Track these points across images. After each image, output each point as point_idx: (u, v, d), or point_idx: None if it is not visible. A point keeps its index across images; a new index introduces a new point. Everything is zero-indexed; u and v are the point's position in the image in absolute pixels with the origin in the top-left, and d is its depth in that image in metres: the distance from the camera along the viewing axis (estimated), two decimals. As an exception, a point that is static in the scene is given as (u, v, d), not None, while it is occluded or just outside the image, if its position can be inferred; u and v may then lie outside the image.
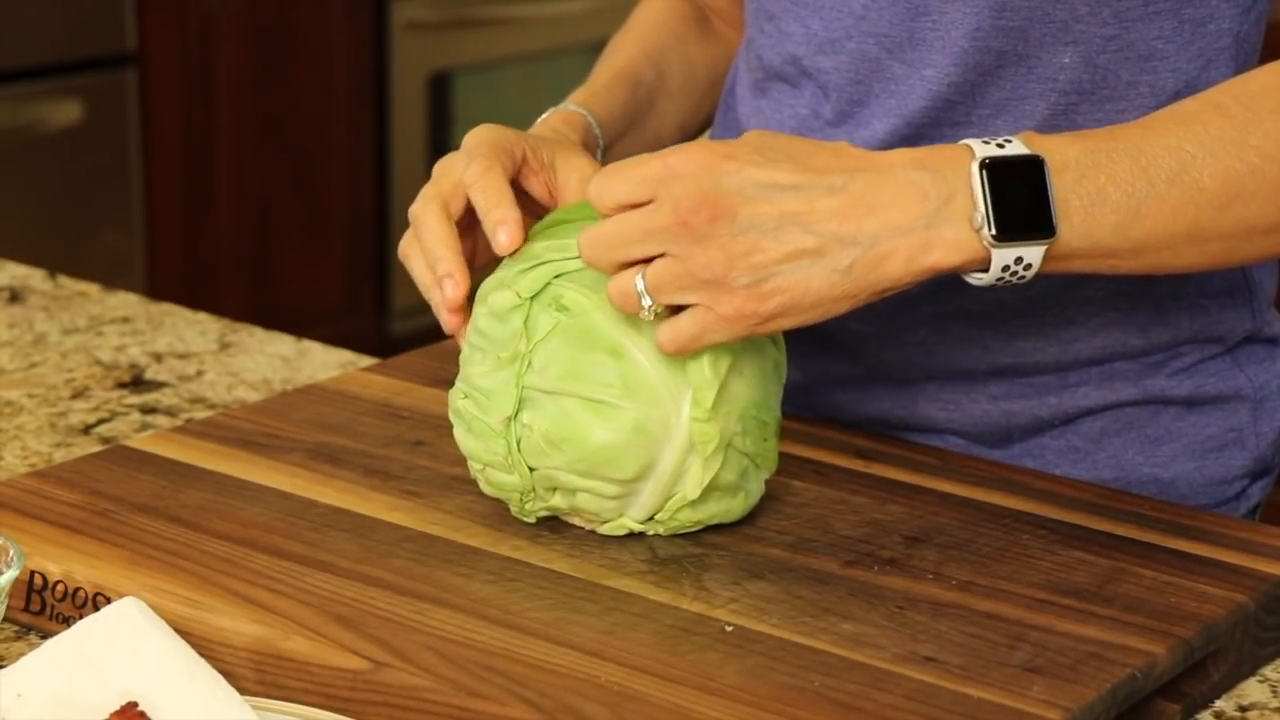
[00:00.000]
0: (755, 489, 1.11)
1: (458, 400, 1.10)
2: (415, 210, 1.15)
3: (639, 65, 1.36)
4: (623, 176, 1.03)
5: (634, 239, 1.03)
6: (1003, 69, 1.18)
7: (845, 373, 1.29)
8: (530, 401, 1.07)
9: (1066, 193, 1.04)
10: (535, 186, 1.18)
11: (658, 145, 1.35)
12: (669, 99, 1.37)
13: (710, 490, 1.08)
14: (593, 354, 1.06)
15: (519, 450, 1.07)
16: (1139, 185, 1.05)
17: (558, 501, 1.09)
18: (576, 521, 1.11)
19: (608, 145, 1.29)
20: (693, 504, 1.08)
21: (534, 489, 1.09)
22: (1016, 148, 1.04)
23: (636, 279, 1.03)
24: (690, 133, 1.41)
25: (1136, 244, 1.06)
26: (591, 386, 1.05)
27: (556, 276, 1.08)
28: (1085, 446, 1.26)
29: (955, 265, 1.03)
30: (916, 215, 1.02)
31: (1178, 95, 1.19)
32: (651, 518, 1.09)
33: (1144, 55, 1.18)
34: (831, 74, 1.23)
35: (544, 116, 1.27)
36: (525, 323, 1.07)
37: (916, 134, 1.21)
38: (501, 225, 1.11)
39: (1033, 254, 1.04)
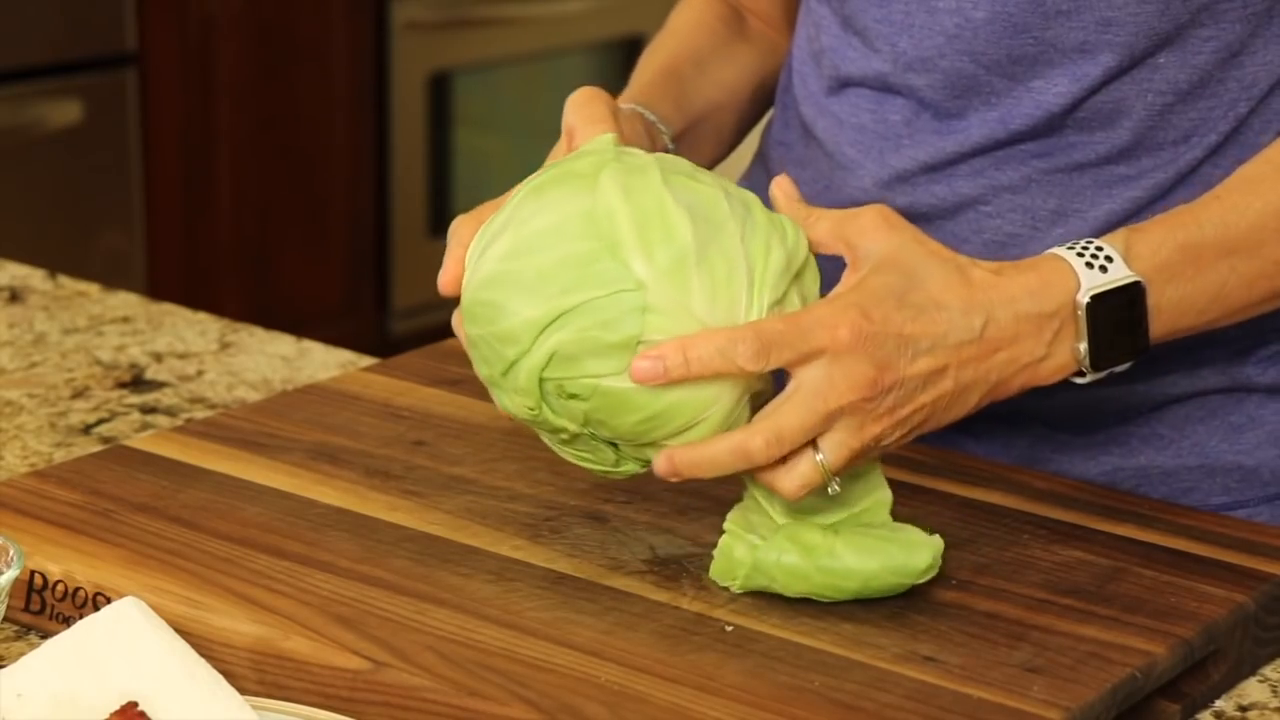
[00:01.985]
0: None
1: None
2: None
3: (681, 63, 1.35)
4: (788, 346, 1.01)
5: (817, 426, 1.02)
6: (1107, 79, 1.20)
7: None
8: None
9: (1158, 298, 1.10)
10: None
11: (719, 144, 1.37)
12: (720, 94, 1.37)
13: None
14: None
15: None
16: (1222, 271, 1.12)
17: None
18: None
19: (674, 139, 1.29)
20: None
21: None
22: (1117, 270, 1.08)
23: (816, 461, 1.02)
24: (746, 129, 1.42)
25: (1215, 320, 1.14)
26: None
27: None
28: (1169, 434, 1.27)
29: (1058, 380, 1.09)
30: (1034, 349, 1.07)
31: (1267, 91, 1.21)
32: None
33: (1235, 52, 1.20)
34: (925, 90, 1.24)
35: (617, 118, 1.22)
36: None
37: (1013, 139, 1.23)
38: None
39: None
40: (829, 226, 1.06)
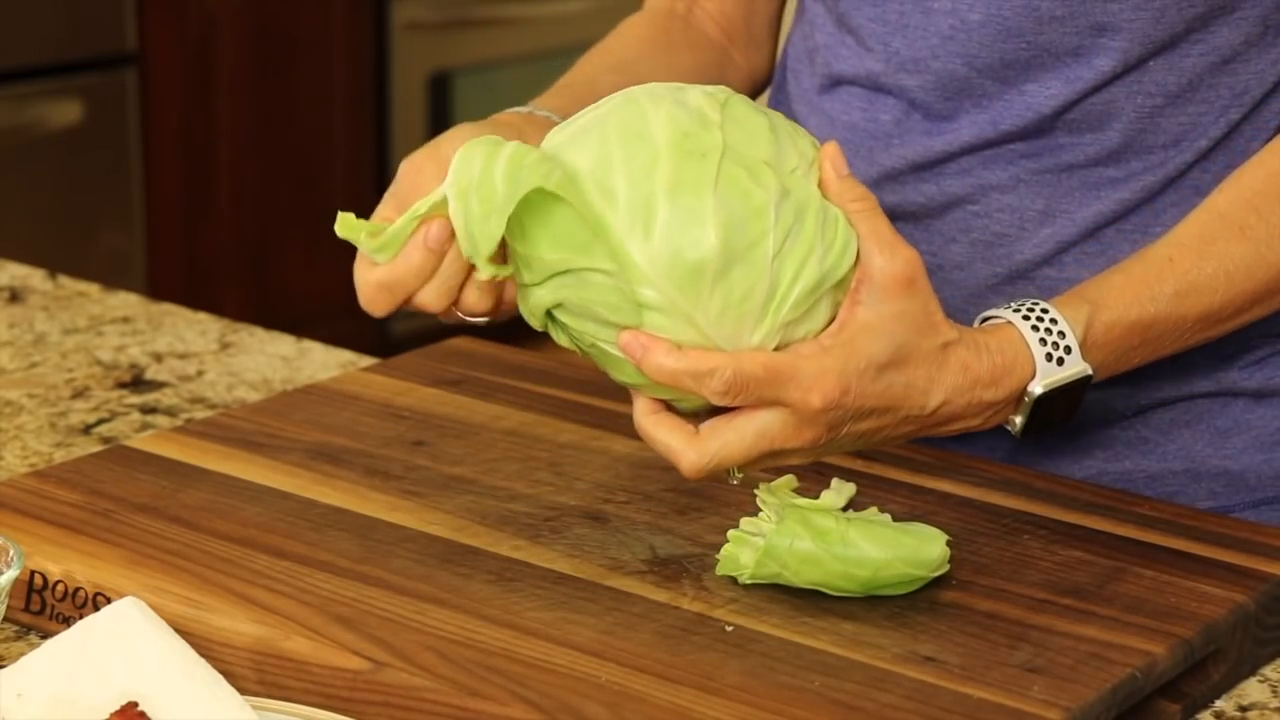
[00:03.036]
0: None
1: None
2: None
3: (598, 70, 1.33)
4: (759, 391, 1.02)
5: (754, 461, 1.04)
6: (1099, 84, 1.21)
7: None
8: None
9: (1098, 370, 1.12)
10: None
11: None
12: None
13: None
14: None
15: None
16: (1166, 341, 1.15)
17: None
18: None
19: None
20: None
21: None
22: (1073, 363, 1.10)
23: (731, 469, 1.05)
24: None
25: (1139, 365, 1.17)
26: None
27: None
28: (1155, 438, 1.27)
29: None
30: (973, 423, 1.09)
31: (1260, 99, 1.22)
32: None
33: (1226, 58, 1.20)
34: (916, 91, 1.25)
35: (496, 116, 1.24)
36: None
37: (1003, 140, 1.23)
38: None
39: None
40: (865, 233, 1.04)
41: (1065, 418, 1.12)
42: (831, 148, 1.04)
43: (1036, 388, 1.09)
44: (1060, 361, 1.09)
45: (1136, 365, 1.16)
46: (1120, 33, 1.19)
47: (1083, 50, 1.20)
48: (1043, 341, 1.09)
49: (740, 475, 1.06)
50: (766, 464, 1.05)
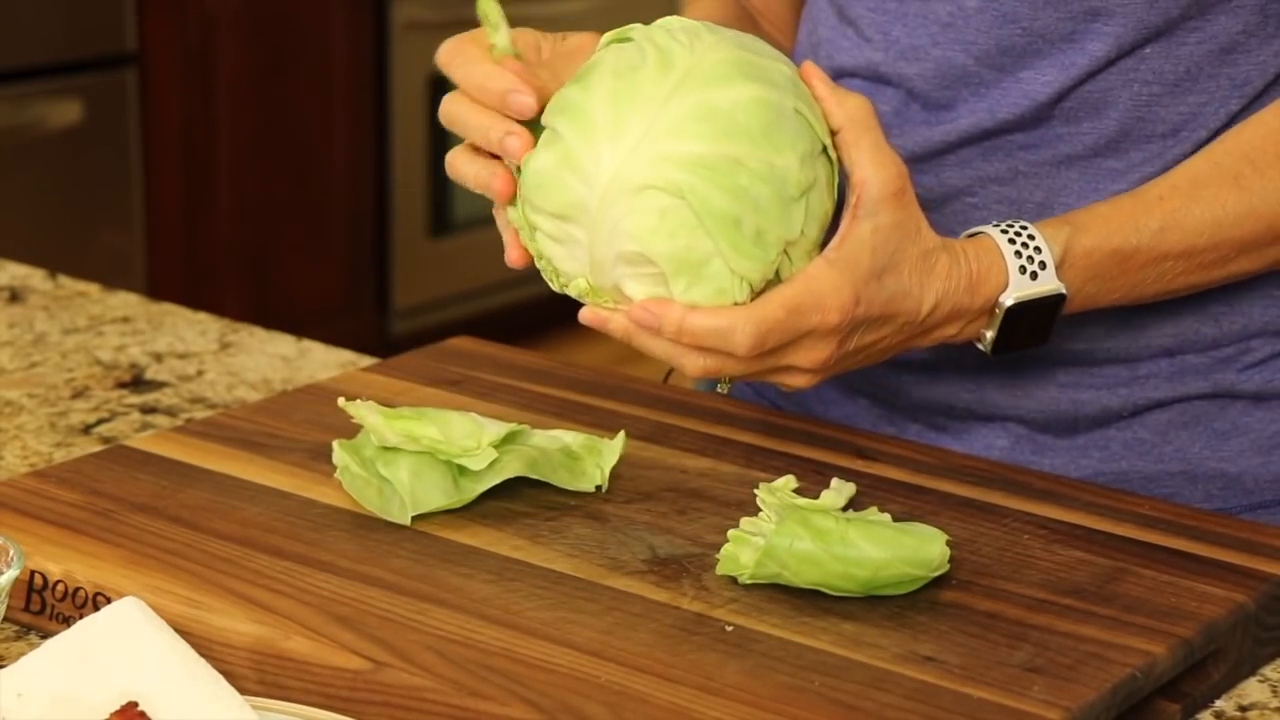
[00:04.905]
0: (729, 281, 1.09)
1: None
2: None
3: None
4: (784, 332, 1.06)
5: (771, 365, 1.09)
6: (1094, 69, 1.21)
7: (914, 355, 1.29)
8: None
9: (1073, 295, 1.15)
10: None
11: None
12: None
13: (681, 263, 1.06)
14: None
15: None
16: (1147, 274, 1.17)
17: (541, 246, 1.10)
18: (552, 285, 1.11)
19: None
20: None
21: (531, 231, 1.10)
22: (1046, 280, 1.14)
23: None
24: None
25: (1118, 304, 1.20)
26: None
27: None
28: (1152, 439, 1.27)
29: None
30: (951, 332, 1.14)
31: (1261, 90, 1.22)
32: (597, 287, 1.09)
33: (1225, 48, 1.20)
34: (915, 80, 1.25)
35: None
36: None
37: (1001, 129, 1.24)
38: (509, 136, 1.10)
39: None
40: (863, 146, 1.08)
41: (1037, 340, 1.15)
42: (810, 66, 1.10)
43: (1008, 299, 1.13)
44: (1034, 276, 1.13)
45: (1117, 301, 1.18)
46: (1114, 17, 1.19)
47: (1077, 35, 1.20)
48: (1018, 254, 1.13)
49: (729, 385, 1.12)
50: (770, 378, 1.10)
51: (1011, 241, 1.13)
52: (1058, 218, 1.16)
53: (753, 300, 1.06)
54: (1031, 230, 1.14)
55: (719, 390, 1.11)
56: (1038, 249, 1.13)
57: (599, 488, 1.15)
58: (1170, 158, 1.22)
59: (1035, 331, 1.15)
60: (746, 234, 1.04)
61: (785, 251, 1.06)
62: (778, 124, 1.05)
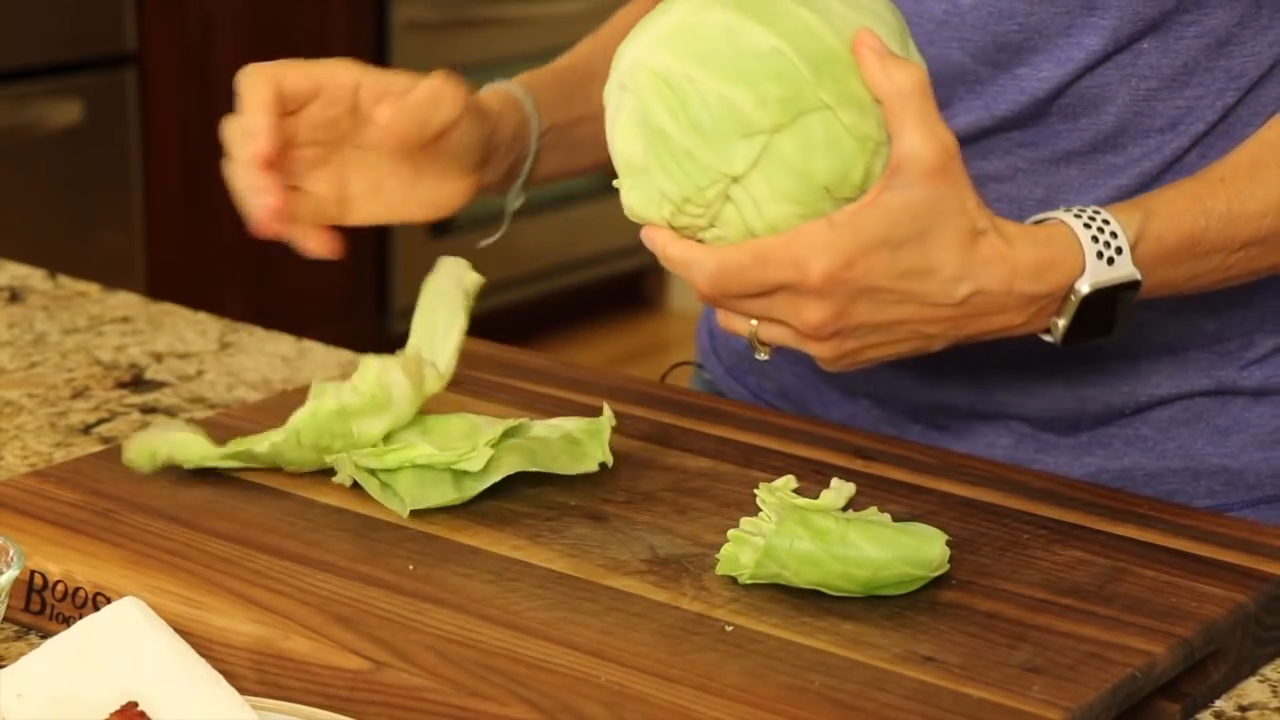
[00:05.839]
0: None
1: None
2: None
3: (594, 59, 1.34)
4: (753, 277, 1.04)
5: (758, 314, 1.06)
6: (1091, 64, 1.20)
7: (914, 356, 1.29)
8: None
9: (1146, 282, 1.10)
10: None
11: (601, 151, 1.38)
12: None
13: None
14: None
15: None
16: (1213, 261, 1.13)
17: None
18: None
19: (545, 130, 1.30)
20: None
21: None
22: (1123, 265, 1.09)
23: (749, 328, 1.07)
24: None
25: (1181, 293, 1.16)
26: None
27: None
28: (1154, 436, 1.27)
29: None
30: (1014, 320, 1.08)
31: (1256, 82, 1.21)
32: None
33: (1221, 41, 1.20)
34: None
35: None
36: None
37: (999, 127, 1.23)
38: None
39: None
40: (908, 115, 1.04)
41: (1106, 331, 1.10)
42: (864, 36, 1.04)
43: (1084, 285, 1.08)
44: (1111, 261, 1.08)
45: (1178, 290, 1.14)
46: (1109, 10, 1.18)
47: (1073, 30, 1.20)
48: (1094, 239, 1.08)
49: (766, 352, 1.08)
50: (765, 335, 1.07)
51: (1087, 226, 1.09)
52: (1129, 202, 1.12)
53: (673, 226, 1.06)
54: (1106, 215, 1.09)
55: (757, 357, 1.08)
56: (1114, 234, 1.09)
57: (603, 464, 1.16)
58: (1168, 152, 1.22)
59: (1103, 321, 1.10)
60: (674, 151, 1.04)
61: (730, 189, 1.04)
62: (757, 60, 1.03)
